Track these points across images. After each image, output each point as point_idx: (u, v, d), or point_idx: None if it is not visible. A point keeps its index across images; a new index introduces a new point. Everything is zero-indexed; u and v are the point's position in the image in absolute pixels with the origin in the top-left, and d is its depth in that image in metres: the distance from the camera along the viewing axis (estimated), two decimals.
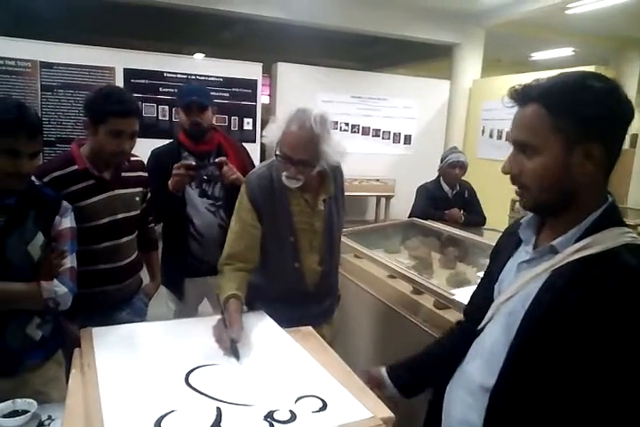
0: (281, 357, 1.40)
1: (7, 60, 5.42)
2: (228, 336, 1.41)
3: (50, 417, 1.36)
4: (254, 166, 2.17)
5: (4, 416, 1.31)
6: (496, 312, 1.03)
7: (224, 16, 6.81)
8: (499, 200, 4.80)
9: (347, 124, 7.13)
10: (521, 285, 0.98)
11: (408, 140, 7.60)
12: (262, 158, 6.81)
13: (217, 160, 2.09)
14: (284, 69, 6.76)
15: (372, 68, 9.53)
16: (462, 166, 3.35)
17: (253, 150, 6.58)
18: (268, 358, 1.39)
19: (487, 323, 1.05)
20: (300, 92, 6.71)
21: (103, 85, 1.95)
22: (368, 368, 1.40)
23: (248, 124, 6.51)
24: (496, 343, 1.01)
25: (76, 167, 1.72)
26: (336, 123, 6.98)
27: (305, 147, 1.57)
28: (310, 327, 1.64)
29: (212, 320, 1.57)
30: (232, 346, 1.38)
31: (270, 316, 1.65)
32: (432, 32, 7.26)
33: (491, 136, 6.97)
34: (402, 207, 6.54)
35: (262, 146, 6.70)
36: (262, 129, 6.83)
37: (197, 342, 1.47)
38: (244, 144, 6.67)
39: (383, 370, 1.35)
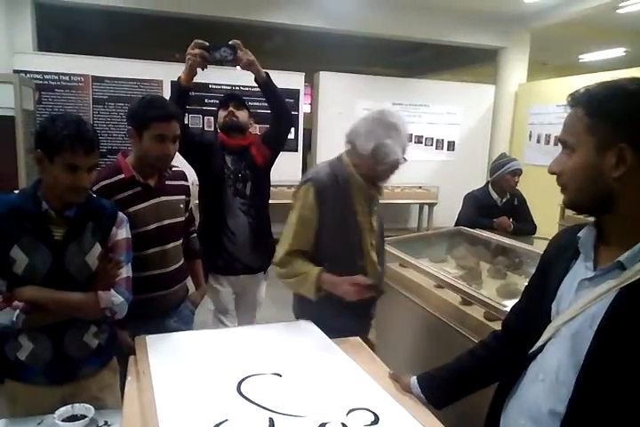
0: (330, 368, 1.40)
1: (62, 75, 5.68)
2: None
3: (106, 423, 1.41)
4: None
5: (64, 420, 1.36)
6: (556, 333, 0.99)
7: (265, 27, 6.93)
8: (548, 208, 4.65)
9: None
10: (585, 304, 0.93)
11: (451, 146, 7.49)
12: (304, 167, 6.87)
13: (230, 43, 2.15)
14: (326, 78, 6.80)
15: (412, 74, 9.47)
16: (520, 174, 3.27)
17: (295, 159, 6.66)
18: (318, 369, 1.39)
19: (545, 344, 1.01)
20: (341, 100, 6.74)
21: (146, 95, 2.01)
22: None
23: (290, 133, 6.57)
24: (561, 366, 0.96)
25: (122, 176, 1.78)
26: None
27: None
28: (358, 338, 1.64)
29: (260, 329, 1.59)
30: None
31: (330, 319, 1.64)
32: (476, 36, 7.16)
33: (538, 141, 6.78)
34: (445, 215, 6.46)
35: (304, 155, 6.76)
36: (304, 138, 6.92)
37: (248, 351, 1.48)
38: (286, 153, 6.77)
39: (414, 379, 1.33)
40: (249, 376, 1.32)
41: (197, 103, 6.09)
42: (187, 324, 1.99)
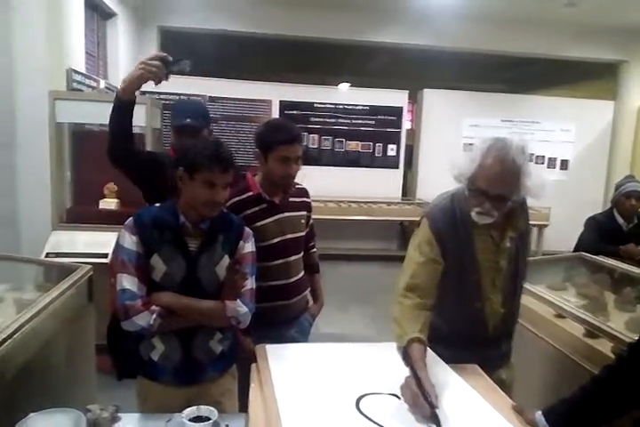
0: (449, 394, 1.36)
1: (182, 95, 6.16)
2: (424, 399, 1.25)
3: (227, 426, 1.47)
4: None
5: (190, 420, 1.44)
6: None
7: (371, 46, 7.05)
8: None
9: None
10: None
11: (565, 165, 7.06)
12: (404, 185, 6.82)
13: (183, 59, 1.81)
14: (430, 96, 6.75)
15: (519, 90, 9.09)
16: (638, 197, 3.01)
17: (396, 176, 6.65)
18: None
19: None
20: (446, 117, 6.65)
21: (271, 118, 2.12)
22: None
23: (392, 150, 6.58)
24: None
25: (250, 193, 1.92)
26: None
27: (504, 180, 1.46)
28: (476, 365, 1.58)
29: (378, 348, 1.57)
30: (432, 414, 1.23)
31: (440, 357, 1.57)
32: (593, 50, 6.76)
33: None
34: (557, 238, 6.07)
35: (405, 172, 6.72)
36: (406, 155, 6.87)
37: (368, 367, 1.49)
38: (387, 170, 6.75)
39: (539, 413, 1.26)
40: (367, 394, 1.32)
41: (303, 122, 6.30)
42: (305, 335, 2.07)
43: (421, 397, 1.25)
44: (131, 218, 1.52)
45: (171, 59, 1.78)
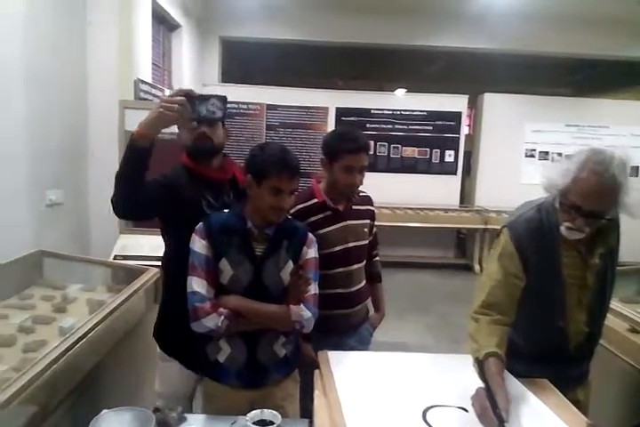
0: (520, 409, 1.31)
1: (241, 104, 6.31)
2: (494, 413, 1.21)
3: None
4: None
5: (254, 423, 1.46)
6: None
7: (429, 51, 6.98)
8: None
9: (559, 155, 6.60)
10: None
11: (635, 171, 6.70)
12: (462, 191, 6.68)
13: (220, 94, 1.53)
14: (491, 100, 6.59)
15: (585, 93, 8.74)
16: None
17: (453, 182, 6.52)
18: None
19: None
20: (507, 122, 6.48)
21: (338, 127, 2.10)
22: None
23: (450, 156, 6.47)
24: None
25: (315, 200, 1.92)
26: (546, 153, 6.54)
27: (601, 197, 1.35)
28: (546, 380, 1.51)
29: (441, 358, 1.55)
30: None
31: (514, 372, 1.50)
32: None
33: None
34: (628, 248, 5.70)
35: (463, 178, 6.58)
36: (464, 161, 6.72)
37: (433, 378, 1.46)
38: (445, 176, 6.63)
39: None
40: (434, 406, 1.29)
41: (360, 128, 6.28)
42: (365, 344, 2.05)
43: (490, 410, 1.21)
44: (201, 223, 1.56)
45: (197, 94, 1.47)
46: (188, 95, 1.46)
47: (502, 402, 1.23)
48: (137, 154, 1.48)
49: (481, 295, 1.53)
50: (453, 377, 1.47)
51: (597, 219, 1.39)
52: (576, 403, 1.46)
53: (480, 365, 1.38)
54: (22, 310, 2.06)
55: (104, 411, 1.41)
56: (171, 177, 1.69)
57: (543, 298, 1.54)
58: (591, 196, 1.35)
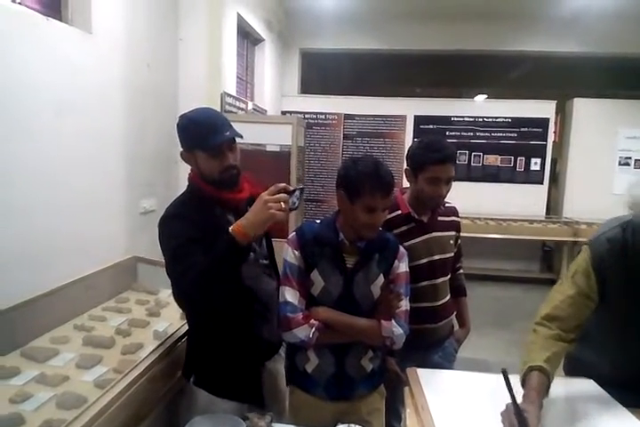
0: None
1: (319, 114, 6.40)
2: None
3: None
4: None
5: None
6: None
7: (509, 56, 6.73)
8: None
9: None
10: None
11: None
12: (548, 201, 6.34)
13: (301, 186, 1.57)
14: (581, 105, 6.22)
15: None
16: None
17: (540, 192, 6.21)
18: None
19: None
20: (598, 128, 6.09)
21: (425, 137, 2.02)
22: None
23: (535, 164, 6.18)
24: None
25: (400, 212, 1.87)
26: None
27: None
28: None
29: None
30: None
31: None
32: None
33: None
34: None
35: (549, 188, 6.25)
36: (552, 169, 6.37)
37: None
38: (530, 185, 6.34)
39: None
40: None
41: (440, 136, 6.17)
42: (449, 361, 1.98)
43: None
44: (294, 233, 1.58)
45: (291, 188, 1.40)
46: (286, 189, 1.38)
47: (532, 421, 1.14)
48: (237, 254, 1.35)
49: (546, 308, 1.46)
50: (548, 401, 1.37)
51: None
52: None
53: (522, 379, 1.31)
54: (119, 313, 2.17)
55: (196, 418, 1.45)
56: (192, 217, 1.47)
57: (629, 323, 1.43)
58: None
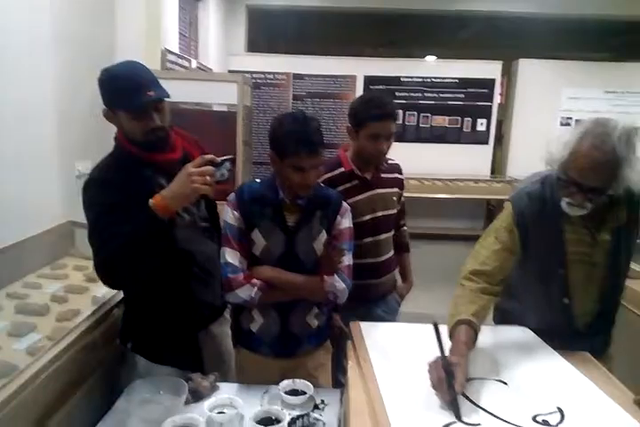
0: (562, 384, 1.27)
1: (267, 73, 6.19)
2: (447, 385, 1.13)
3: (323, 402, 1.47)
4: None
5: (286, 393, 1.46)
6: None
7: (459, 16, 6.69)
8: None
9: None
10: None
11: None
12: (493, 162, 6.50)
13: (231, 156, 1.38)
14: (526, 66, 6.29)
15: (628, 58, 8.30)
16: None
17: (485, 152, 6.33)
18: (548, 383, 1.27)
19: None
20: (542, 89, 6.20)
21: (366, 93, 2.01)
22: None
23: (482, 124, 6.26)
24: None
25: (342, 169, 1.87)
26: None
27: (599, 173, 1.25)
28: (588, 353, 1.47)
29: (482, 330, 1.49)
30: (452, 401, 1.11)
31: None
32: None
33: None
34: None
35: (494, 149, 6.39)
36: (497, 130, 6.49)
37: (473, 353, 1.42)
38: (476, 146, 6.43)
39: None
40: (472, 379, 1.25)
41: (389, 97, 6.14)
42: (393, 315, 2.03)
43: (445, 380, 1.15)
44: (233, 193, 1.53)
45: (219, 160, 1.33)
46: (213, 163, 1.32)
47: (460, 374, 1.17)
48: (157, 227, 1.30)
49: (473, 264, 1.50)
50: (489, 349, 1.43)
51: (598, 195, 1.30)
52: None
53: (450, 332, 1.34)
54: (55, 279, 2.08)
55: (137, 381, 1.43)
56: (116, 182, 1.39)
57: (546, 275, 1.49)
58: (589, 171, 1.26)
